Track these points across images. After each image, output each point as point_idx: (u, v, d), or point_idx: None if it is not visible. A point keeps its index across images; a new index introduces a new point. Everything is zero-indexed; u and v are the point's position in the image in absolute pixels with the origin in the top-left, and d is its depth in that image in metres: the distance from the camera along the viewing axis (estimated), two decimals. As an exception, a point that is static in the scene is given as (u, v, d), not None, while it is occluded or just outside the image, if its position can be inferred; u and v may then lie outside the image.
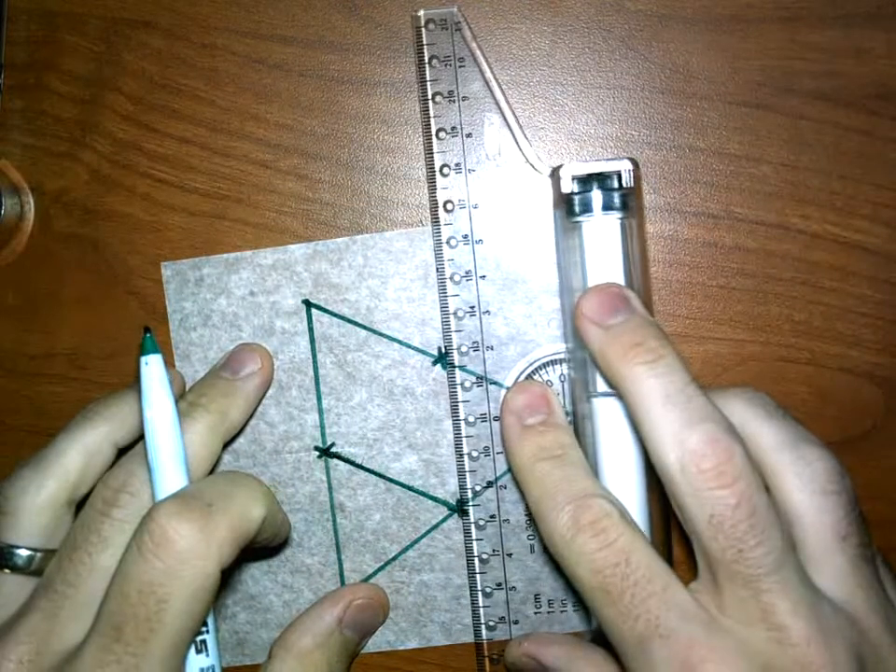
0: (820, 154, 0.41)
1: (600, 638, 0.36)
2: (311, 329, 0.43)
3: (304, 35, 0.42)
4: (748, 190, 0.42)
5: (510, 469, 0.41)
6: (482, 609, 0.43)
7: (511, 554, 0.43)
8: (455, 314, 0.42)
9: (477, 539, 0.43)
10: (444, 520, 0.44)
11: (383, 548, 0.44)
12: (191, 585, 0.31)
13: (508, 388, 0.42)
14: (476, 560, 0.43)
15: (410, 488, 0.44)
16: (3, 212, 0.43)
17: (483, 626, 0.44)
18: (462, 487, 0.43)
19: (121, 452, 0.38)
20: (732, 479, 0.30)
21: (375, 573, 0.44)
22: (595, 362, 0.35)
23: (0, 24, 0.43)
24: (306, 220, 0.43)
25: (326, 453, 0.44)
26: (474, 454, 0.43)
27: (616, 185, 0.38)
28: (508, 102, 0.41)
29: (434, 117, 0.41)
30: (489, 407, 0.42)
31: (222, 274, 0.43)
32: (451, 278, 0.42)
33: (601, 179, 0.38)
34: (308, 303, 0.43)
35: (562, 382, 0.42)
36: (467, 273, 0.42)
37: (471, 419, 0.42)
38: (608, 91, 0.42)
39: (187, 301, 0.43)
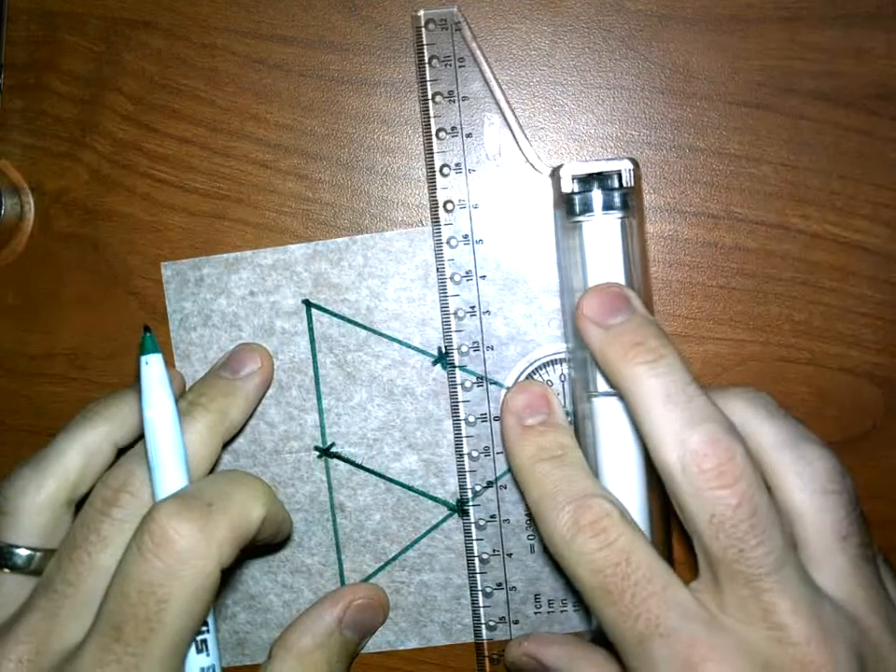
0: (820, 154, 0.41)
1: (600, 638, 0.36)
2: (311, 329, 0.43)
3: (304, 34, 0.42)
4: (748, 190, 0.42)
5: (510, 470, 0.41)
6: (482, 609, 0.43)
7: (511, 554, 0.43)
8: (455, 314, 0.42)
9: (477, 539, 0.43)
10: (444, 520, 0.44)
11: (383, 548, 0.44)
12: (191, 585, 0.31)
13: (508, 388, 0.42)
14: (476, 560, 0.43)
15: (410, 488, 0.44)
16: (3, 212, 0.43)
17: (483, 626, 0.44)
18: (462, 487, 0.43)
19: (121, 452, 0.38)
20: (733, 479, 0.30)
21: (375, 573, 0.44)
22: (596, 362, 0.35)
23: (0, 24, 0.43)
24: (306, 220, 0.43)
25: (326, 453, 0.44)
26: (474, 454, 0.43)
27: (616, 185, 0.38)
28: (508, 102, 0.41)
29: (434, 117, 0.41)
30: (489, 407, 0.42)
31: (222, 274, 0.43)
32: (451, 278, 0.42)
33: (601, 179, 0.38)
34: (308, 303, 0.43)
35: (562, 382, 0.42)
36: (467, 273, 0.42)
37: (471, 419, 0.42)
38: (608, 91, 0.42)
39: (187, 301, 0.43)
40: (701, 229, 0.42)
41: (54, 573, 0.34)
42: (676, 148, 0.42)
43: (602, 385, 0.37)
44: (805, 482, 0.33)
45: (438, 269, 0.42)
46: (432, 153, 0.42)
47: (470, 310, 0.42)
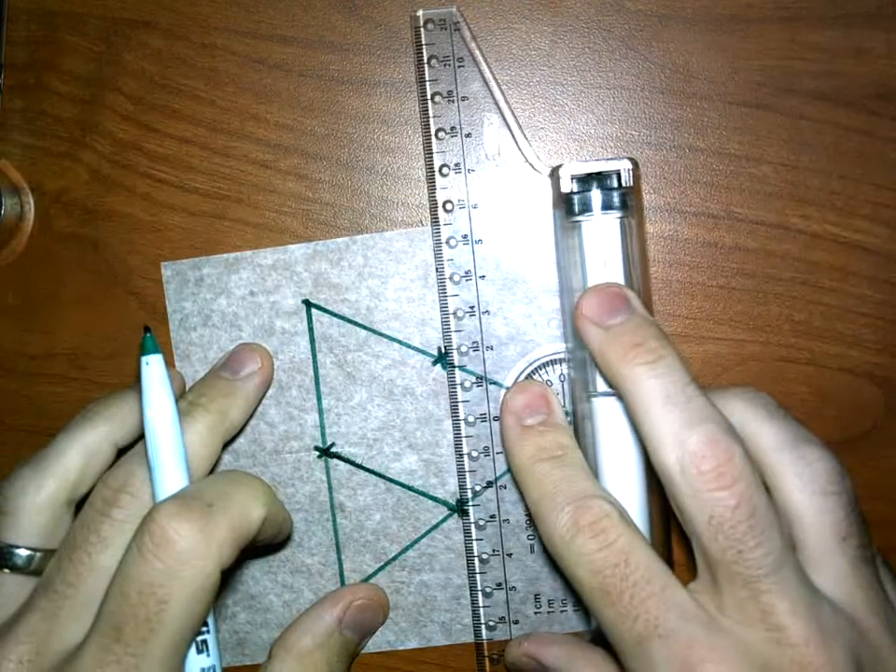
0: (820, 154, 0.41)
1: (600, 638, 0.36)
2: (311, 329, 0.43)
3: (304, 34, 0.42)
4: (748, 190, 0.42)
5: (509, 470, 0.41)
6: (482, 609, 0.43)
7: (511, 554, 0.43)
8: (454, 314, 0.42)
9: (477, 539, 0.43)
10: (444, 520, 0.44)
11: (383, 548, 0.44)
12: (191, 585, 0.31)
13: (507, 388, 0.42)
14: (476, 560, 0.43)
15: (410, 488, 0.44)
16: (3, 212, 0.43)
17: (483, 626, 0.44)
18: (462, 487, 0.43)
19: (121, 452, 0.38)
20: (731, 480, 0.30)
21: (375, 573, 0.44)
22: (595, 362, 0.35)
23: (0, 24, 0.43)
24: (306, 220, 0.43)
25: (326, 453, 0.44)
26: (474, 454, 0.43)
27: (616, 184, 0.38)
28: (507, 102, 0.41)
29: (433, 117, 0.41)
30: (489, 407, 0.42)
31: (222, 274, 0.43)
32: (450, 278, 0.42)
33: (600, 179, 0.38)
34: (308, 303, 0.43)
35: (562, 382, 0.42)
36: (466, 272, 0.42)
37: (471, 419, 0.42)
38: (608, 91, 0.42)
39: (187, 301, 0.43)
40: (701, 229, 0.42)
41: (54, 573, 0.34)
42: (676, 148, 0.42)
43: (601, 386, 0.37)
44: (805, 482, 0.33)
45: (437, 269, 0.42)
46: (431, 153, 0.42)
47: (470, 310, 0.42)
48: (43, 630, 0.33)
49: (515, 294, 0.42)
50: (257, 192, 0.43)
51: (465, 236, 0.42)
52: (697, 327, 0.43)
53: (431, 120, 0.41)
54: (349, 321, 0.43)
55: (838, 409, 0.43)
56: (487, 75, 0.41)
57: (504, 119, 0.41)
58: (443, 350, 0.43)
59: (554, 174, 0.39)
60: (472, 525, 0.43)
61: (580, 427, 0.39)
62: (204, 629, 0.34)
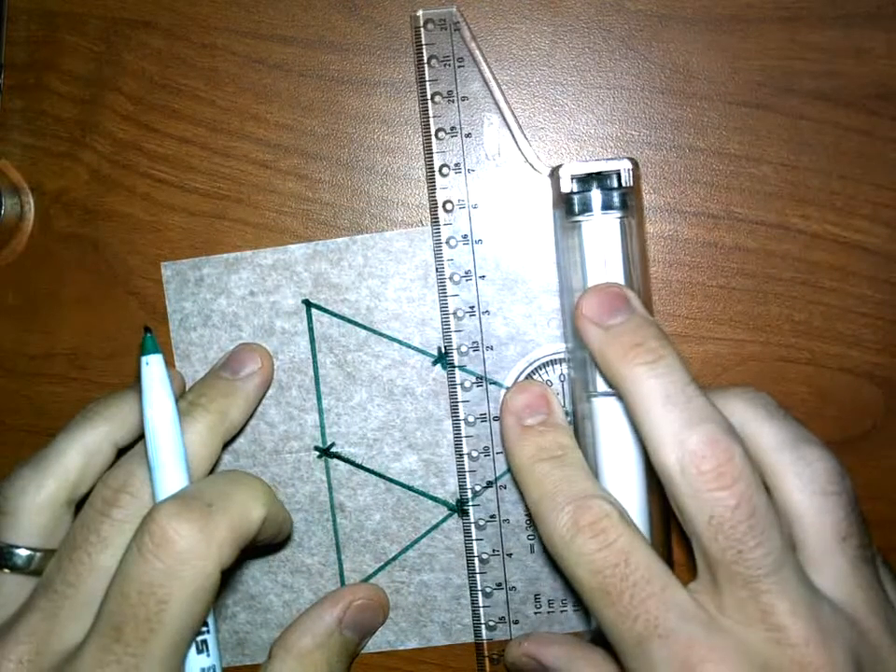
0: (820, 154, 0.41)
1: (600, 639, 0.36)
2: (311, 329, 0.43)
3: (304, 34, 0.42)
4: (748, 190, 0.42)
5: (509, 470, 0.41)
6: (482, 609, 0.43)
7: (510, 554, 0.43)
8: (454, 314, 0.42)
9: (477, 539, 0.43)
10: (444, 520, 0.44)
11: (383, 548, 0.44)
12: (191, 585, 0.31)
13: (507, 388, 0.42)
14: (476, 560, 0.43)
15: (410, 488, 0.44)
16: (3, 212, 0.43)
17: (483, 626, 0.44)
18: (462, 487, 0.43)
19: (121, 452, 0.38)
20: (731, 480, 0.30)
21: (375, 573, 0.44)
22: (595, 362, 0.35)
23: (0, 24, 0.43)
24: (306, 220, 0.43)
25: (326, 453, 0.44)
26: (474, 454, 0.43)
27: (615, 184, 0.38)
28: (507, 102, 0.41)
29: (433, 117, 0.41)
30: (489, 407, 0.42)
31: (222, 274, 0.43)
32: (450, 278, 0.42)
33: (600, 179, 0.38)
34: (308, 303, 0.43)
35: (562, 382, 0.42)
36: (466, 272, 0.42)
37: (471, 419, 0.42)
38: (608, 91, 0.42)
39: (187, 301, 0.43)
40: (701, 229, 0.42)
41: (54, 573, 0.34)
42: (676, 148, 0.42)
43: (601, 386, 0.37)
44: (805, 483, 0.33)
45: (437, 269, 0.42)
46: (431, 153, 0.42)
47: (470, 310, 0.42)
48: (43, 630, 0.33)
49: (515, 294, 0.42)
50: (257, 192, 0.43)
51: (465, 236, 0.42)
52: (697, 327, 0.43)
53: (431, 120, 0.42)
54: (349, 321, 0.43)
55: (838, 409, 0.43)
56: (487, 75, 0.41)
57: (504, 119, 0.41)
58: (443, 350, 0.43)
59: (554, 174, 0.39)
60: (472, 525, 0.43)
61: (580, 427, 0.39)
62: (204, 629, 0.34)
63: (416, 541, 0.44)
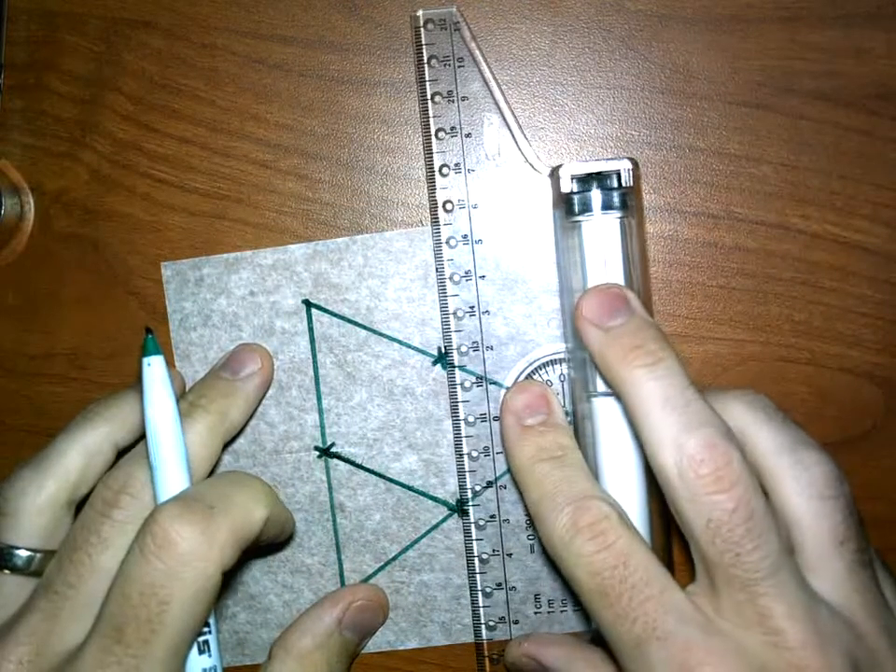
0: (820, 154, 0.41)
1: (600, 639, 0.36)
2: (311, 329, 0.43)
3: (304, 34, 0.42)
4: (748, 190, 0.42)
5: (509, 470, 0.41)
6: (482, 609, 0.44)
7: (510, 554, 0.43)
8: (454, 314, 0.42)
9: (477, 539, 0.43)
10: (444, 520, 0.44)
11: (383, 548, 0.44)
12: (193, 587, 0.31)
13: (507, 388, 0.42)
14: (476, 560, 0.43)
15: (410, 488, 0.44)
16: (3, 212, 0.43)
17: (483, 626, 0.44)
18: (462, 487, 0.43)
19: (121, 453, 0.38)
20: (729, 484, 0.30)
21: (375, 573, 0.44)
22: (595, 364, 0.35)
23: (0, 24, 0.43)
24: (306, 220, 0.43)
25: (326, 453, 0.44)
26: (474, 454, 0.43)
27: (615, 184, 0.38)
28: (507, 102, 0.41)
29: (433, 117, 0.41)
30: (489, 407, 0.42)
31: (222, 274, 0.43)
32: (450, 278, 0.42)
33: (600, 179, 0.38)
34: (308, 303, 0.43)
35: (562, 382, 0.42)
36: (466, 272, 0.42)
37: (471, 419, 0.42)
38: (608, 91, 0.42)
39: (187, 300, 0.43)
40: (701, 229, 0.42)
41: (54, 574, 0.34)
42: (676, 148, 0.42)
43: (601, 386, 0.37)
44: (803, 487, 0.33)
45: (437, 269, 0.42)
46: (431, 153, 0.42)
47: (470, 310, 0.42)
48: (43, 631, 0.33)
49: (515, 294, 0.42)
50: (257, 192, 0.43)
51: (465, 236, 0.42)
52: (697, 327, 0.43)
53: (431, 120, 0.41)
54: (349, 321, 0.43)
55: (838, 409, 0.43)
56: (487, 75, 0.41)
57: (504, 119, 0.41)
58: (443, 350, 0.43)
59: (554, 174, 0.39)
60: (472, 525, 0.43)
61: (580, 427, 0.39)
62: (206, 630, 0.34)
63: (416, 541, 0.44)
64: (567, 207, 0.38)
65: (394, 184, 0.43)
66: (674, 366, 0.32)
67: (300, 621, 0.42)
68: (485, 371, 0.42)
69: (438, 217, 0.42)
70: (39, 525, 0.36)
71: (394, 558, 0.44)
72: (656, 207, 0.42)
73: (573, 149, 0.42)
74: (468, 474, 0.43)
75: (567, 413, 0.41)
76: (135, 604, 0.31)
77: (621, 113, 0.42)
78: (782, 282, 0.42)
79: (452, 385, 0.42)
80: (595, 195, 0.38)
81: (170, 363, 0.42)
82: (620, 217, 0.37)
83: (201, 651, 0.34)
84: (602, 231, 0.37)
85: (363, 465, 0.44)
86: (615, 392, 0.34)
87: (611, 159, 0.38)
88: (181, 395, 0.40)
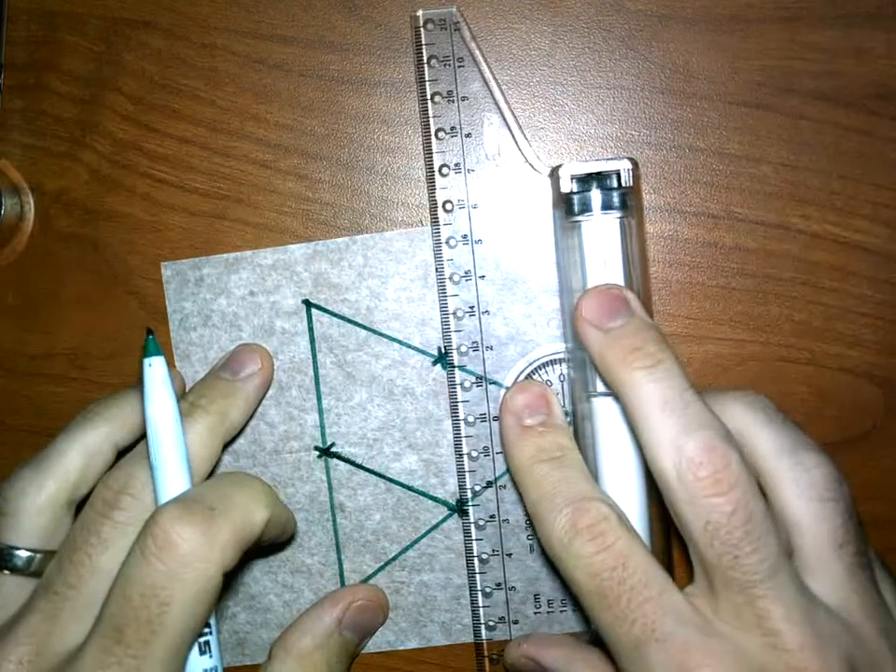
0: (820, 154, 0.41)
1: (599, 640, 0.36)
2: (311, 329, 0.43)
3: (304, 34, 0.42)
4: (748, 190, 0.42)
5: (508, 470, 0.41)
6: (481, 609, 0.44)
7: (510, 554, 0.43)
8: (454, 314, 0.42)
9: (477, 539, 0.43)
10: (444, 520, 0.44)
11: (383, 548, 0.44)
12: (193, 588, 0.31)
13: (507, 388, 0.42)
14: (476, 560, 0.43)
15: (410, 488, 0.44)
16: (3, 212, 0.43)
17: (483, 626, 0.44)
18: (462, 487, 0.43)
19: (121, 453, 0.38)
20: (728, 486, 0.30)
21: (375, 573, 0.44)
22: (594, 365, 0.35)
23: (0, 24, 0.43)
24: (306, 220, 0.43)
25: (326, 453, 0.44)
26: (474, 454, 0.43)
27: (615, 184, 0.38)
28: (507, 102, 0.41)
29: (433, 117, 0.41)
30: (489, 407, 0.42)
31: (222, 274, 0.43)
32: (450, 278, 0.42)
33: (600, 179, 0.38)
34: (308, 303, 0.43)
35: (562, 382, 0.42)
36: (466, 273, 0.42)
37: (471, 419, 0.42)
38: (608, 91, 0.42)
39: (187, 300, 0.43)
40: (701, 229, 0.42)
41: (54, 575, 0.34)
42: (676, 148, 0.42)
43: (601, 386, 0.37)
44: (802, 489, 0.33)
45: (437, 269, 0.42)
46: (431, 153, 0.42)
47: (470, 310, 0.42)
48: (43, 631, 0.33)
49: (515, 294, 0.42)
50: (257, 192, 0.43)
51: (465, 236, 0.42)
52: (697, 327, 0.42)
53: (431, 120, 0.41)
54: (349, 321, 0.43)
55: (838, 409, 0.43)
56: (487, 75, 0.41)
57: (504, 119, 0.41)
58: (443, 350, 0.43)
59: (554, 174, 0.39)
60: (472, 525, 0.43)
61: (579, 427, 0.39)
62: (207, 630, 0.34)
63: (416, 541, 0.44)
64: (567, 207, 0.38)
65: (394, 184, 0.43)
66: (673, 368, 0.32)
67: (300, 621, 0.42)
68: (485, 371, 0.42)
69: (438, 217, 0.42)
70: (39, 525, 0.36)
71: (394, 558, 0.44)
72: (656, 207, 0.42)
73: (573, 149, 0.42)
74: (467, 474, 0.43)
75: (566, 414, 0.41)
76: (136, 605, 0.31)
77: (621, 113, 0.42)
78: (782, 282, 0.42)
79: (452, 385, 0.42)
80: (595, 195, 0.38)
81: (170, 363, 0.42)
82: (620, 217, 0.37)
83: (202, 652, 0.34)
84: (602, 231, 0.37)
85: (363, 465, 0.44)
86: (614, 393, 0.34)
87: (611, 159, 0.38)
88: (181, 395, 0.40)
